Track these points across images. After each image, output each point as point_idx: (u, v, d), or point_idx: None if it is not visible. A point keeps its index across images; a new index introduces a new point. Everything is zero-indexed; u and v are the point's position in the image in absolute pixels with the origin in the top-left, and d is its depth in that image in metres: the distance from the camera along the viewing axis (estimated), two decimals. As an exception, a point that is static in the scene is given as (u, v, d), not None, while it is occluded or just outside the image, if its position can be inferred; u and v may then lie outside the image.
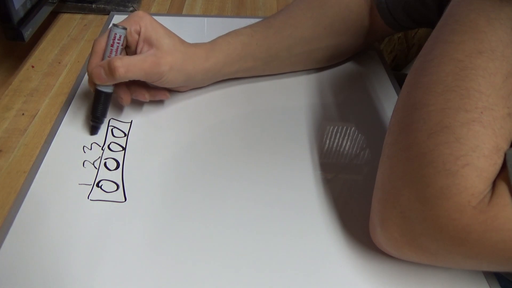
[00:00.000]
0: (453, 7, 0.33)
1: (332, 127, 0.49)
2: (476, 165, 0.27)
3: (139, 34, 0.43)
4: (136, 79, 0.42)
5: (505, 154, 0.28)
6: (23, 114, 0.48)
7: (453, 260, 0.31)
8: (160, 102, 0.49)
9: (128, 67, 0.40)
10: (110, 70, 0.40)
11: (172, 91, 0.50)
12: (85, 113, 0.47)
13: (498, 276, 0.36)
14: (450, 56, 0.30)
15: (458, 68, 0.30)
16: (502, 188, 0.27)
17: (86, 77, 0.52)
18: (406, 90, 0.33)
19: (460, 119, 0.28)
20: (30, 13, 0.50)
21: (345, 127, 0.49)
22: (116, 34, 0.42)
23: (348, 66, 0.57)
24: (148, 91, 0.46)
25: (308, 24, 0.50)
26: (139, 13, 0.43)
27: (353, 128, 0.49)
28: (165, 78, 0.43)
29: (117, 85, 0.44)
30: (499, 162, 0.28)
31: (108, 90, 0.43)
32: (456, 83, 0.29)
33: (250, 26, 0.50)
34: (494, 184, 0.28)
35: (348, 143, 0.47)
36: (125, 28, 0.42)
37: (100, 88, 0.43)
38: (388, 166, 0.33)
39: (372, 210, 0.35)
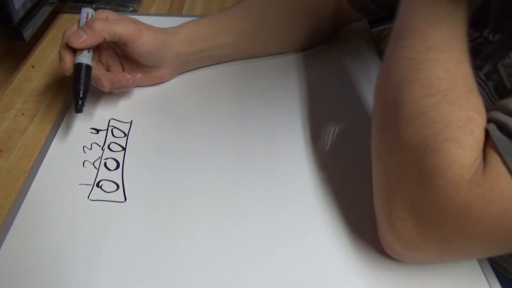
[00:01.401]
0: (397, 22, 0.37)
1: (331, 127, 0.49)
2: (454, 137, 0.29)
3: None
4: (115, 37, 0.43)
5: (487, 130, 0.30)
6: (23, 114, 0.48)
7: (462, 247, 0.31)
8: (159, 102, 0.49)
9: (106, 20, 0.43)
10: (89, 25, 0.42)
11: (161, 82, 0.51)
12: (85, 113, 0.47)
13: (498, 277, 0.36)
14: (406, 57, 0.34)
15: (414, 64, 0.33)
16: (494, 158, 0.28)
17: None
18: (377, 96, 0.37)
19: (429, 103, 0.31)
20: (30, 13, 0.50)
21: (344, 127, 0.49)
22: (88, 13, 0.44)
23: (348, 66, 0.57)
24: (113, 79, 0.45)
25: (272, 2, 0.54)
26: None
27: (353, 128, 0.49)
28: (145, 37, 0.45)
29: (95, 70, 0.43)
30: (475, 130, 0.30)
31: (88, 62, 0.42)
32: (416, 76, 0.32)
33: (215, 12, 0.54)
34: (484, 156, 0.29)
35: (348, 143, 0.47)
36: (94, 9, 0.45)
37: (79, 61, 0.42)
38: (380, 165, 0.34)
39: (377, 212, 0.35)
